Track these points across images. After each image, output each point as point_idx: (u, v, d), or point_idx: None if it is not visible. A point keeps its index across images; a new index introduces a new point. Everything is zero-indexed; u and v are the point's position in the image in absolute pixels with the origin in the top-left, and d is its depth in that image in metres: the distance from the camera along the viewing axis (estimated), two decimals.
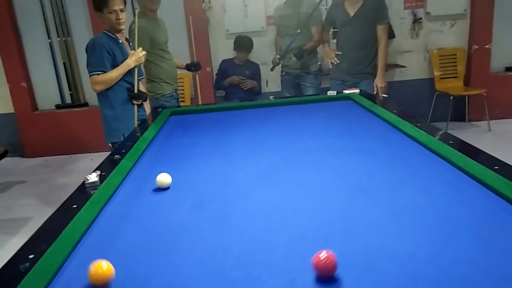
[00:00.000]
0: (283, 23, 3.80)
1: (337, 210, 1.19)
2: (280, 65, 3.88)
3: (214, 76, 4.70)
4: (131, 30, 2.93)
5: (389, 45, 4.72)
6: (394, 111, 2.17)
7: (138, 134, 2.13)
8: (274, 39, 4.36)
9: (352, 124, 2.19)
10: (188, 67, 3.43)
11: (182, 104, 4.20)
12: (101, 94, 2.60)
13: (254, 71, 4.39)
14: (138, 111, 2.67)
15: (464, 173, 1.35)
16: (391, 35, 4.65)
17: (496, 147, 3.99)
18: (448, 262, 0.90)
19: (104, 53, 2.47)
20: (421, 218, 1.10)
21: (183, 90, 4.66)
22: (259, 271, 0.91)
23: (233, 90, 4.39)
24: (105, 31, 2.58)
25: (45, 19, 4.92)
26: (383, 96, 3.21)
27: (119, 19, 2.51)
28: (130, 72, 2.60)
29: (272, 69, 3.94)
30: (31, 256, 0.97)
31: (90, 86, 2.57)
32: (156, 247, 1.06)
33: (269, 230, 1.10)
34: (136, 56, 2.60)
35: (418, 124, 1.86)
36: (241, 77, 4.33)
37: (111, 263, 0.92)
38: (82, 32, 4.88)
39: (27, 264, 0.94)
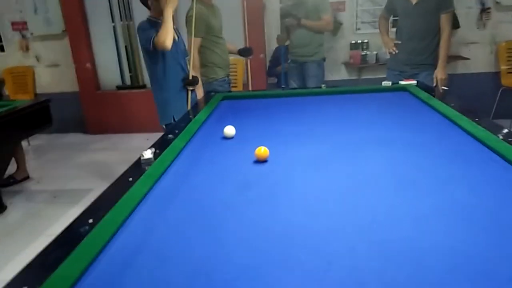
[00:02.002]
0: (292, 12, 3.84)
1: (381, 202, 1.18)
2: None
3: (268, 63, 4.72)
4: (188, 16, 3.02)
5: (453, 36, 4.48)
6: (452, 104, 2.08)
7: (191, 116, 2.21)
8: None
9: (406, 116, 2.13)
10: (240, 52, 3.48)
11: (234, 89, 4.28)
12: (155, 79, 2.72)
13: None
14: (190, 96, 2.80)
15: None
16: (455, 24, 4.41)
17: None
18: (491, 259, 0.87)
19: (154, 30, 2.59)
20: (468, 216, 1.07)
21: (236, 75, 4.73)
22: (297, 251, 0.94)
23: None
24: (150, 17, 2.70)
25: (109, 4, 5.17)
26: (442, 89, 3.06)
27: None
28: (180, 54, 2.76)
29: (289, 62, 4.04)
30: (90, 221, 1.06)
31: (160, 48, 2.57)
32: (203, 221, 1.11)
33: (311, 215, 1.12)
34: (168, 2, 2.58)
35: (476, 120, 1.78)
36: None
37: (162, 233, 0.98)
38: (143, 17, 5.05)
39: (87, 227, 1.03)
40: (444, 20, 3.06)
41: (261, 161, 1.54)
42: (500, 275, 0.82)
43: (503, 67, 4.54)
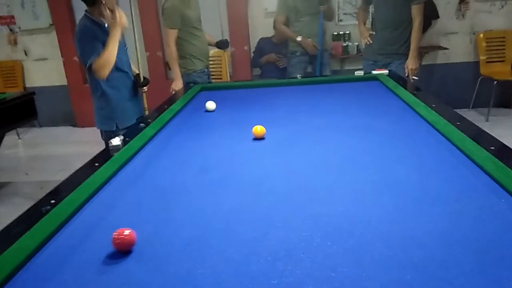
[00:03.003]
0: (302, 3, 3.73)
1: (325, 180, 1.28)
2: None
3: (252, 54, 4.79)
4: (164, 8, 3.06)
5: (433, 26, 4.58)
6: (415, 92, 2.17)
7: (165, 106, 2.29)
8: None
9: (371, 104, 2.22)
10: (217, 44, 3.55)
11: (219, 81, 4.36)
12: (96, 91, 2.41)
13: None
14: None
15: (463, 153, 1.37)
16: (434, 15, 4.49)
17: None
18: (417, 226, 0.97)
19: (96, 42, 2.22)
20: (403, 191, 1.17)
21: (221, 67, 4.80)
22: (237, 225, 1.04)
23: (269, 68, 4.47)
24: (88, 15, 2.28)
25: None
26: (413, 79, 3.15)
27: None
28: (124, 62, 2.45)
29: (297, 54, 3.93)
30: (52, 201, 1.14)
31: (96, 76, 2.25)
32: (158, 201, 1.21)
33: (258, 194, 1.22)
34: (117, 22, 2.25)
35: (433, 106, 1.87)
36: (278, 55, 4.40)
37: (120, 212, 1.08)
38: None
39: (48, 207, 1.11)
40: (415, 10, 3.13)
41: (258, 139, 1.70)
42: (425, 239, 0.92)
43: (482, 57, 4.63)
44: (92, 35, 2.23)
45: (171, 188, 1.30)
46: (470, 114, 4.44)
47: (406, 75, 3.18)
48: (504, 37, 4.60)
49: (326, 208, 1.09)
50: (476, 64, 4.68)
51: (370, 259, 0.87)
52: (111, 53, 2.22)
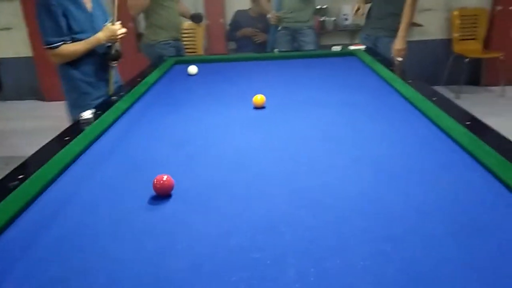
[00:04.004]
0: None
1: (305, 155, 1.27)
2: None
3: (227, 27, 4.68)
4: None
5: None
6: (390, 67, 2.17)
7: (138, 79, 2.22)
8: None
9: (349, 79, 2.21)
10: (191, 17, 3.44)
11: (194, 55, 4.25)
12: (65, 73, 2.17)
13: (268, 25, 4.33)
14: (113, 75, 2.30)
15: (439, 128, 1.39)
16: None
17: (507, 112, 3.93)
18: (394, 201, 0.98)
19: (60, 17, 2.00)
20: (382, 165, 1.17)
21: (195, 40, 4.67)
22: (217, 200, 1.02)
23: (245, 42, 4.39)
24: None
25: None
26: (397, 60, 3.05)
27: None
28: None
29: (279, 29, 3.79)
30: (20, 176, 1.09)
31: (49, 58, 2.11)
32: (133, 177, 1.17)
33: (238, 168, 1.19)
34: (111, 33, 2.15)
35: (410, 81, 1.88)
36: (254, 29, 4.31)
37: (92, 188, 1.03)
38: None
39: (16, 182, 1.06)
40: None
41: (259, 108, 1.71)
42: (402, 212, 0.93)
43: (455, 34, 4.69)
44: (57, 10, 1.99)
45: (145, 163, 1.26)
46: (441, 91, 4.46)
47: (392, 55, 3.04)
48: (476, 15, 4.66)
49: (306, 182, 1.09)
50: (450, 41, 4.74)
51: (349, 232, 0.87)
52: (76, 54, 2.09)
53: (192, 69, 2.37)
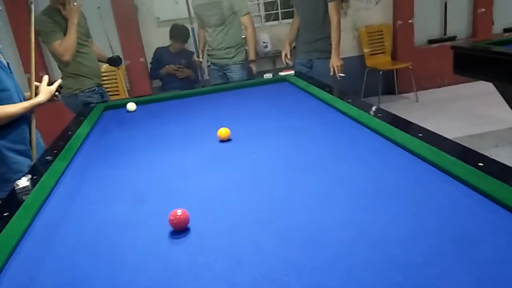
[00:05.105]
0: (204, 13, 3.53)
1: (277, 190, 1.22)
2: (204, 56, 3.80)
3: (149, 65, 4.57)
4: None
5: None
6: (327, 89, 2.24)
7: (70, 132, 2.04)
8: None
9: (289, 105, 2.24)
10: (109, 61, 3.32)
11: (117, 98, 4.06)
12: None
13: (190, 60, 4.31)
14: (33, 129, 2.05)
15: (393, 143, 1.44)
16: None
17: (423, 115, 4.28)
18: (380, 226, 0.96)
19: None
20: (356, 189, 1.17)
21: (116, 83, 4.49)
22: (205, 256, 0.93)
23: (170, 79, 4.32)
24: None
25: None
26: (340, 76, 3.22)
27: None
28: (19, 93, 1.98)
29: (208, 65, 3.79)
30: None
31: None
32: (98, 246, 1.03)
33: (214, 217, 1.11)
34: (50, 93, 2.04)
35: (350, 101, 1.95)
36: (178, 65, 4.26)
37: (51, 269, 0.88)
38: None
39: None
40: (332, 8, 3.17)
41: (224, 141, 1.69)
42: (399, 236, 0.91)
43: (366, 50, 5.05)
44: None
45: (107, 226, 1.13)
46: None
47: (332, 73, 3.23)
48: (382, 31, 5.08)
49: (290, 220, 1.04)
50: (362, 57, 5.08)
51: (352, 264, 0.83)
52: (11, 117, 1.86)
53: (131, 106, 2.45)
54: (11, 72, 1.98)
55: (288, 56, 3.46)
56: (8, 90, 1.90)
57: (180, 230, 1.04)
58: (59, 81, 2.13)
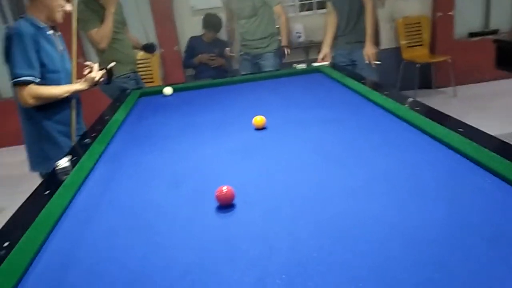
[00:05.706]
0: (237, 5, 3.64)
1: (312, 182, 1.21)
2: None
3: (183, 54, 4.62)
4: (78, 12, 2.76)
5: None
6: (363, 81, 2.20)
7: (107, 117, 2.09)
8: None
9: (323, 95, 2.21)
10: (144, 48, 3.37)
11: (151, 85, 4.13)
12: (25, 110, 2.01)
13: (223, 49, 4.32)
14: (77, 122, 2.18)
15: (431, 137, 1.39)
16: None
17: (462, 111, 4.12)
18: (415, 223, 0.94)
19: (32, 52, 1.89)
20: (392, 183, 1.14)
21: (151, 70, 4.56)
22: (239, 242, 0.94)
23: (202, 68, 4.35)
24: (30, 18, 1.96)
25: None
26: (375, 64, 3.15)
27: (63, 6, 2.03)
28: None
29: (241, 54, 3.82)
30: (6, 244, 0.95)
31: (17, 96, 1.92)
32: (134, 229, 1.06)
33: (248, 204, 1.11)
34: (91, 82, 2.14)
35: (386, 93, 1.90)
36: (210, 55, 4.29)
37: (88, 247, 0.92)
38: None
39: (2, 252, 0.92)
40: None
41: (260, 129, 1.71)
42: (437, 234, 0.89)
43: (403, 42, 4.91)
44: (32, 44, 1.90)
45: (142, 208, 1.16)
46: None
47: (367, 61, 3.17)
48: (419, 22, 4.92)
49: (325, 211, 1.03)
50: (398, 49, 4.95)
51: (387, 260, 0.82)
52: (53, 97, 2.00)
53: (168, 90, 2.56)
54: (66, 59, 2.14)
55: (327, 60, 3.32)
56: (58, 72, 2.05)
57: (225, 203, 1.09)
58: (112, 64, 2.33)
